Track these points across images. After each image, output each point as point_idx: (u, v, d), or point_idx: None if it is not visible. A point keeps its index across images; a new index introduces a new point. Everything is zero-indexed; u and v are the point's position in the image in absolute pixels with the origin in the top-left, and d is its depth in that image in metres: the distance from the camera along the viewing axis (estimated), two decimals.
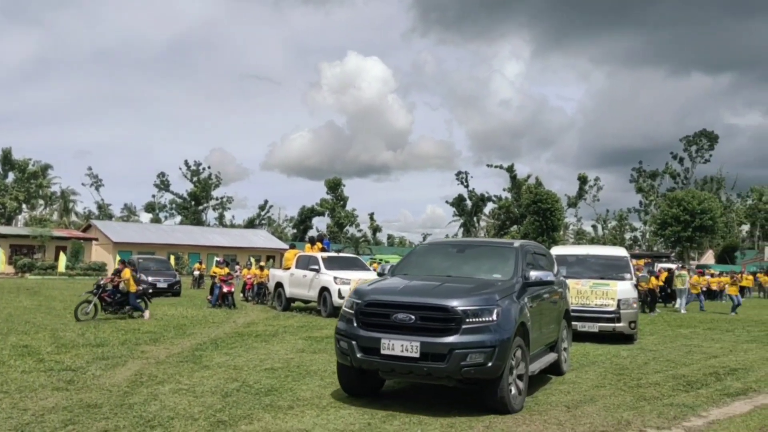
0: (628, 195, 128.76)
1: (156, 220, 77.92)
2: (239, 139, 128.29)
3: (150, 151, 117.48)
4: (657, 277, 22.34)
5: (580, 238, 77.89)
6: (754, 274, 29.69)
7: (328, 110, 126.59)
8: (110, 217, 78.29)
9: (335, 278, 16.57)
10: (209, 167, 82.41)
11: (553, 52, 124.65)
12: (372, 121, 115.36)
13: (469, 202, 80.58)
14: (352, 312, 6.46)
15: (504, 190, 78.02)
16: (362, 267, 18.62)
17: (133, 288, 15.00)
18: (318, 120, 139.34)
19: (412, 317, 6.07)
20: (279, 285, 19.09)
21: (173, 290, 24.31)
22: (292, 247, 23.07)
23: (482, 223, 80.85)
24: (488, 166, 78.86)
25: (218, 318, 15.80)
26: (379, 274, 8.11)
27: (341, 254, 21.53)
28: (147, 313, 14.94)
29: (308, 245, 20.14)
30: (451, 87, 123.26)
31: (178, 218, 79.76)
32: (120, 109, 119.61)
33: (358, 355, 6.23)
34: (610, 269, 13.39)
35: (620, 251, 14.89)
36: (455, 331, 5.97)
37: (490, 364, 5.93)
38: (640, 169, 75.65)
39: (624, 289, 12.68)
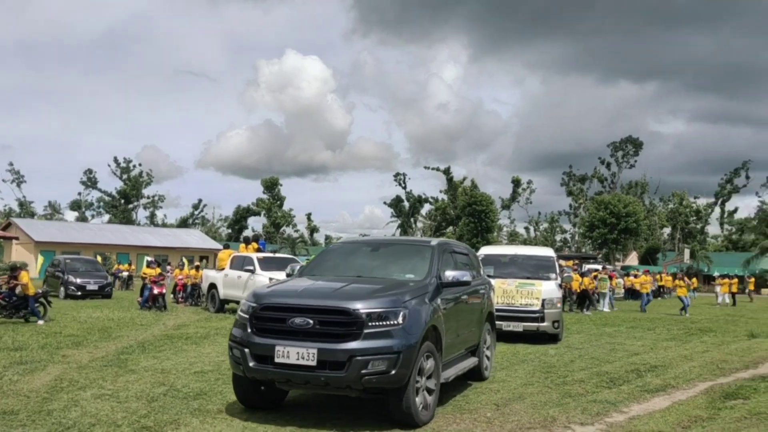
0: (559, 198, 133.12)
1: (82, 219, 74.84)
2: (173, 137, 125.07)
3: (77, 146, 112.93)
4: (595, 279, 23.27)
5: (513, 239, 79.86)
6: (674, 275, 31.24)
7: (266, 109, 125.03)
8: (32, 215, 74.60)
9: (271, 279, 16.28)
10: (140, 164, 79.96)
11: (489, 57, 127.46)
12: (311, 121, 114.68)
13: (406, 204, 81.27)
14: (247, 317, 5.91)
15: (441, 191, 79.18)
16: None
17: (31, 291, 14.05)
18: (255, 118, 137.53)
19: (310, 321, 5.56)
20: (212, 286, 18.68)
21: (104, 292, 23.33)
22: (227, 247, 22.68)
23: (419, 224, 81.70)
24: (426, 168, 79.77)
25: (147, 320, 15.32)
26: (288, 275, 7.62)
27: (277, 255, 21.24)
28: (42, 321, 13.76)
29: (243, 245, 19.79)
30: (391, 89, 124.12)
31: (106, 217, 76.96)
32: (45, 102, 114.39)
33: (251, 364, 5.67)
34: (537, 269, 13.57)
35: (547, 252, 15.10)
36: (356, 336, 5.48)
37: (393, 371, 5.45)
38: (571, 173, 78.29)
39: (548, 289, 12.84)
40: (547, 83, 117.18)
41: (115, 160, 78.12)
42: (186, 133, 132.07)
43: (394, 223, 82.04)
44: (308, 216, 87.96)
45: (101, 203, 78.56)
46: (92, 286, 23.02)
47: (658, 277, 35.49)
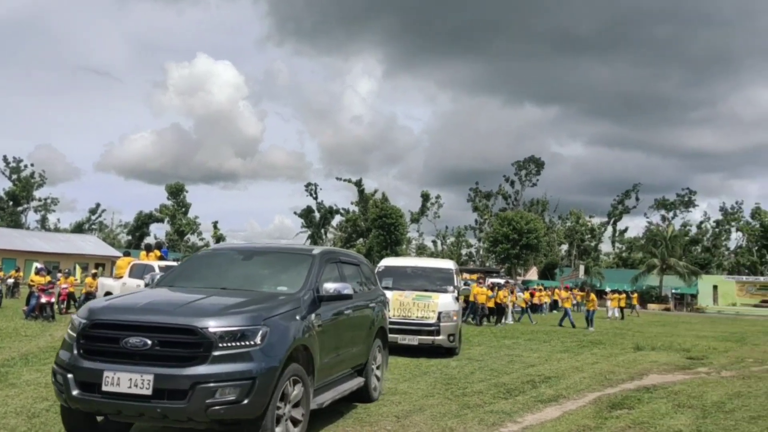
0: (465, 213, 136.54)
1: None
2: (71, 137, 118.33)
3: None
4: (512, 292, 24.10)
5: (421, 252, 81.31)
6: (570, 289, 32.84)
7: (174, 112, 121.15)
8: None
9: None
10: (32, 164, 75.04)
11: (403, 73, 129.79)
12: (221, 127, 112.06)
13: (317, 214, 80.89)
14: (75, 335, 5.00)
15: (352, 203, 79.45)
16: None
17: None
18: (162, 122, 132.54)
19: (148, 342, 4.70)
20: (108, 295, 17.68)
21: None
22: (127, 254, 21.58)
23: (330, 235, 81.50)
24: (337, 179, 79.92)
25: (32, 331, 14.31)
26: (146, 285, 6.82)
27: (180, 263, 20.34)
28: None
29: (144, 253, 18.92)
30: (305, 99, 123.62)
31: None
32: None
33: (74, 393, 4.76)
34: (435, 282, 13.50)
35: (446, 264, 14.91)
36: (203, 360, 4.69)
37: (246, 400, 4.71)
38: (477, 189, 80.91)
39: (445, 302, 12.70)
40: (458, 102, 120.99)
41: (5, 158, 72.99)
42: (86, 134, 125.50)
43: (304, 234, 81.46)
44: (215, 224, 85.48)
45: None
46: None
47: (556, 291, 37.19)
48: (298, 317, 5.51)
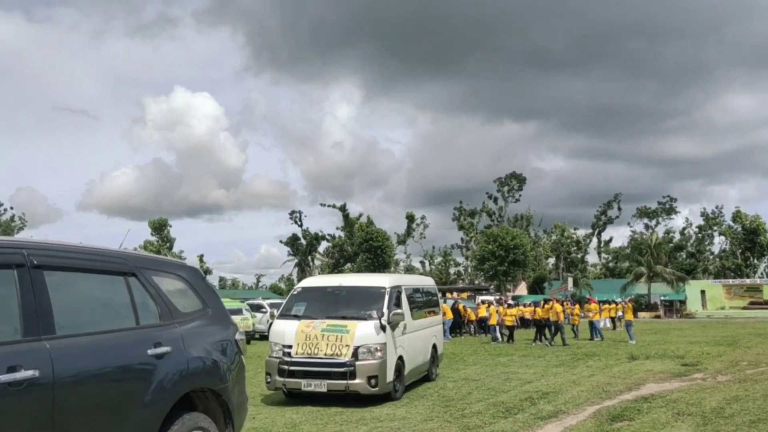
0: (451, 232, 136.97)
1: None
2: (51, 177, 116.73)
3: None
4: (545, 307, 23.33)
5: (410, 273, 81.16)
6: (562, 302, 32.81)
7: (155, 147, 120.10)
8: None
9: None
10: (12, 207, 74.08)
11: (382, 97, 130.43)
12: (203, 160, 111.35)
13: (303, 241, 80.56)
14: None
15: (337, 228, 79.27)
16: None
17: None
18: (143, 157, 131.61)
19: None
20: None
21: None
22: None
23: (317, 262, 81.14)
24: (322, 205, 79.69)
25: None
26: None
27: None
28: None
29: None
30: (285, 127, 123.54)
31: None
32: None
33: None
34: (358, 305, 10.13)
35: (378, 280, 11.13)
36: None
37: None
38: (461, 207, 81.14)
39: (364, 333, 9.49)
40: (437, 122, 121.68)
41: None
42: (66, 174, 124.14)
43: (291, 262, 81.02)
44: (200, 257, 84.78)
45: None
46: None
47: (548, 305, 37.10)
48: None
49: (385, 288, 10.35)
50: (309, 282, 11.70)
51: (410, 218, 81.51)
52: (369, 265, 59.58)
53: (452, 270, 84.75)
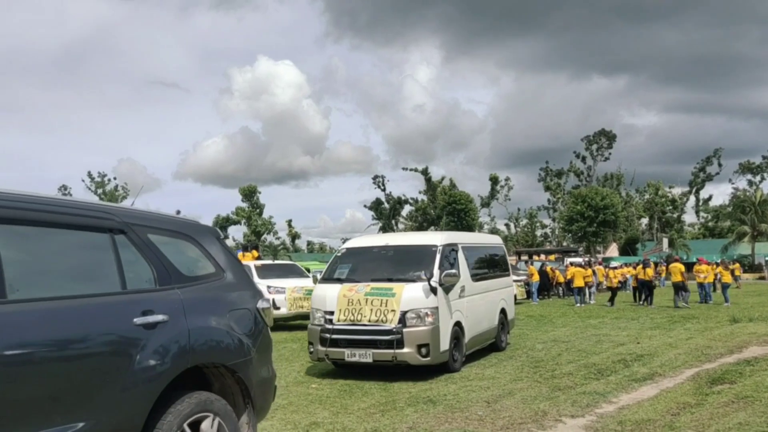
0: (537, 193, 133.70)
1: None
2: (149, 148, 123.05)
3: (50, 163, 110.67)
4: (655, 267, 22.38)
5: (494, 235, 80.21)
6: (656, 264, 31.50)
7: (242, 116, 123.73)
8: None
9: (269, 287, 14.75)
10: (115, 178, 78.94)
11: (462, 58, 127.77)
12: (287, 127, 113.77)
13: (386, 206, 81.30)
14: None
15: (420, 192, 79.31)
16: (299, 274, 17.31)
17: None
18: (231, 126, 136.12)
19: None
20: None
21: None
22: None
23: (401, 226, 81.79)
24: (404, 169, 79.94)
25: None
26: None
27: (276, 262, 20.37)
28: None
29: (240, 254, 19.41)
30: (366, 92, 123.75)
31: None
32: (12, 119, 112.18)
33: None
34: (408, 266, 9.23)
35: (431, 238, 10.20)
36: None
37: None
38: (547, 168, 78.94)
39: (412, 295, 8.56)
40: (521, 81, 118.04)
41: (89, 174, 77.08)
42: (162, 145, 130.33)
43: (375, 226, 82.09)
44: (289, 223, 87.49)
45: None
46: None
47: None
48: None
49: (436, 246, 9.34)
50: (355, 242, 10.61)
51: (494, 180, 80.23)
52: (453, 228, 59.34)
53: (538, 232, 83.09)
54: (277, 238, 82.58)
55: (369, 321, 8.47)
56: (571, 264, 28.08)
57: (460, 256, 9.77)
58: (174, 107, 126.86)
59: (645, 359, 9.57)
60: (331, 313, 8.71)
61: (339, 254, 10.17)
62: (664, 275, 29.43)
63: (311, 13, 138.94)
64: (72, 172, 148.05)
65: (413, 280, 8.78)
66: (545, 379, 8.13)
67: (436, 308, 8.58)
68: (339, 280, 9.19)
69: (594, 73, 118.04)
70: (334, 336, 8.57)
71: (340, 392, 7.59)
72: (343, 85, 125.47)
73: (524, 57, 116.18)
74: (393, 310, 8.41)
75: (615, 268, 23.47)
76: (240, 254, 19.43)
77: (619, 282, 23.90)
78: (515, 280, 23.87)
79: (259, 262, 17.65)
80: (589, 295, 23.47)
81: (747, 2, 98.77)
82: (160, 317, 3.51)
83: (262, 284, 15.46)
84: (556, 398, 7.02)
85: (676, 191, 76.87)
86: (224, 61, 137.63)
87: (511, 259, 45.10)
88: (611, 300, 21.62)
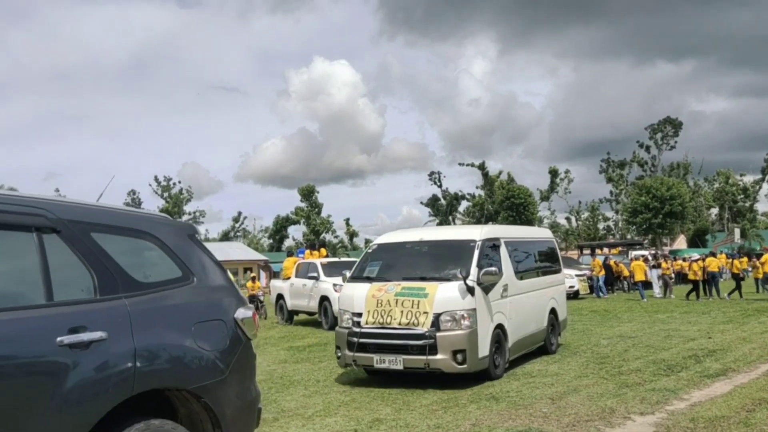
0: (598, 185, 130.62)
1: None
2: (211, 152, 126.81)
3: (119, 168, 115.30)
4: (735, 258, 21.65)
5: (555, 230, 78.72)
6: (728, 256, 30.17)
7: (299, 117, 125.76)
8: None
9: (335, 285, 14.44)
10: (180, 182, 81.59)
11: (518, 50, 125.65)
12: (344, 126, 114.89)
13: (443, 202, 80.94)
14: None
15: (477, 187, 78.58)
16: None
17: None
18: (289, 128, 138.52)
19: None
20: (280, 297, 17.80)
21: None
22: (290, 254, 22.50)
23: (458, 222, 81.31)
24: (460, 164, 79.42)
25: None
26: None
27: (342, 259, 20.31)
28: None
29: (308, 252, 19.73)
30: (421, 88, 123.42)
31: None
32: (84, 127, 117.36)
33: None
34: (441, 264, 8.45)
35: (468, 232, 9.18)
36: None
37: None
38: (609, 159, 76.69)
39: (447, 296, 7.79)
40: (580, 71, 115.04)
41: (156, 179, 79.95)
42: (223, 148, 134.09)
43: (432, 223, 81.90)
44: (347, 221, 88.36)
45: None
46: None
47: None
48: None
49: (475, 241, 8.47)
50: (387, 237, 9.71)
51: (553, 173, 78.57)
52: (511, 223, 58.51)
53: (601, 225, 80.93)
54: (336, 237, 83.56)
55: (399, 324, 7.75)
56: (635, 258, 27.20)
57: (503, 251, 8.95)
58: (234, 111, 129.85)
59: (717, 354, 9.21)
60: (359, 315, 8.07)
61: (370, 250, 9.50)
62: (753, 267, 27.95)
63: (365, 12, 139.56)
64: (140, 177, 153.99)
65: (448, 279, 7.99)
66: (612, 376, 7.94)
67: (474, 310, 7.80)
68: (368, 279, 8.54)
69: (658, 58, 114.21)
70: (362, 340, 7.88)
71: (402, 389, 7.63)
72: (398, 82, 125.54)
73: (583, 45, 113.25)
74: (425, 312, 7.69)
75: (697, 260, 22.15)
76: (307, 252, 19.70)
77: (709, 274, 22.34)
78: (577, 275, 23.47)
79: (326, 260, 17.44)
80: (668, 290, 22.35)
81: None
82: (95, 335, 2.87)
83: (328, 282, 15.34)
84: (623, 395, 6.85)
85: (748, 179, 73.28)
86: (281, 64, 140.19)
87: (573, 254, 44.11)
88: (692, 293, 20.68)
